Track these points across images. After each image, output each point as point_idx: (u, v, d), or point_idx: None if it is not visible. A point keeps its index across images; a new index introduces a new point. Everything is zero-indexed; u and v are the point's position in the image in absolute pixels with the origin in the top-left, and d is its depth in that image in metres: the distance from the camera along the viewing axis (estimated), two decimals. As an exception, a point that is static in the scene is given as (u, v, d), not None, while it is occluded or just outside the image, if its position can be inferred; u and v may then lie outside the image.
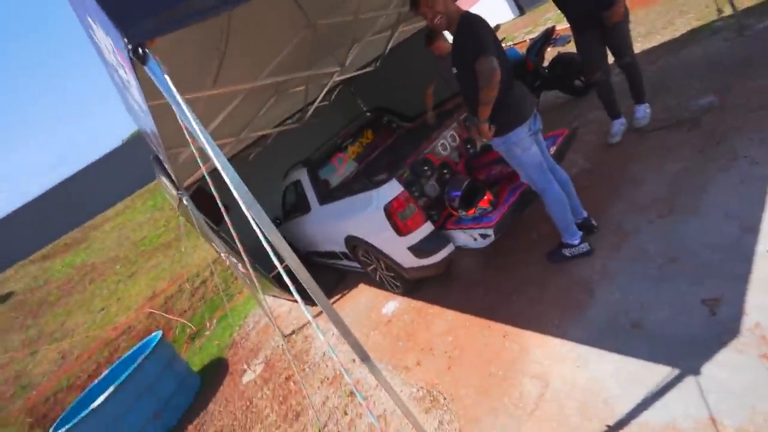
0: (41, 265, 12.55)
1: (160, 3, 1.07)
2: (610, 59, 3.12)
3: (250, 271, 4.17)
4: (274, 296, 5.27)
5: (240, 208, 1.46)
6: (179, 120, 1.14)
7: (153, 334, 5.11)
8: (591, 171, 3.18)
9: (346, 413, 2.57)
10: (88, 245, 12.87)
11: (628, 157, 3.01)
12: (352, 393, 2.71)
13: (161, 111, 1.61)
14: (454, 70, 2.16)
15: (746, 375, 1.36)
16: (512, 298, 2.47)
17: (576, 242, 2.33)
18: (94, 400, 3.85)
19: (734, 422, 1.26)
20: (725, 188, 2.17)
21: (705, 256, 1.87)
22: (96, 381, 4.99)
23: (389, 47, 4.81)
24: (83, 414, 3.75)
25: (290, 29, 2.98)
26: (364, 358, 1.40)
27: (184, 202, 3.70)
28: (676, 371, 1.50)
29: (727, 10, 3.92)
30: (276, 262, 1.31)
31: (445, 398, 2.14)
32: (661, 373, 1.53)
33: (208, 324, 6.52)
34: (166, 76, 1.06)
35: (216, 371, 4.64)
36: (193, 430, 3.76)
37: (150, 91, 1.31)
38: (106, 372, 5.08)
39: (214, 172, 1.40)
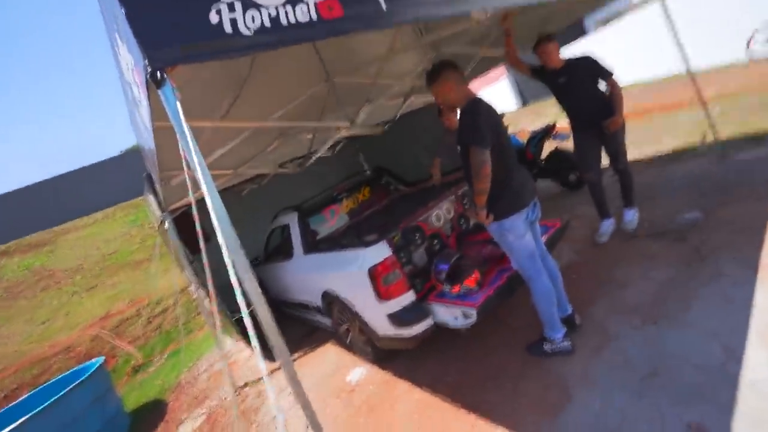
0: (-4, 262, 11.78)
1: (189, 33, 1.08)
2: (605, 161, 3.29)
3: (215, 308, 3.95)
4: (236, 340, 4.94)
5: (219, 242, 1.39)
6: (180, 147, 1.10)
7: (94, 359, 4.66)
8: (578, 265, 3.20)
9: (285, 492, 2.27)
10: (53, 249, 12.22)
11: (615, 258, 3.05)
12: (297, 468, 2.42)
13: (164, 134, 1.59)
14: (458, 148, 2.22)
15: None
16: (487, 386, 2.32)
17: (558, 338, 2.26)
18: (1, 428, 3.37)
19: None
20: (709, 305, 2.17)
21: (689, 376, 1.80)
22: (10, 405, 4.43)
23: (400, 113, 5.06)
24: (-14, 443, 3.27)
25: (309, 80, 3.12)
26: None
27: (166, 224, 3.58)
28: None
29: (709, 138, 4.26)
30: (241, 304, 1.20)
31: (399, 493, 1.91)
32: (640, 504, 1.39)
33: (157, 358, 6.01)
34: (178, 104, 1.04)
35: (151, 415, 4.18)
36: (106, 483, 3.27)
37: (158, 113, 1.29)
38: (25, 396, 4.53)
39: (202, 202, 1.35)
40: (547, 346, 2.29)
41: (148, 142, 1.71)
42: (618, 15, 12.42)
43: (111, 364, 6.01)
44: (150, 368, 5.78)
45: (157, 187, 3.16)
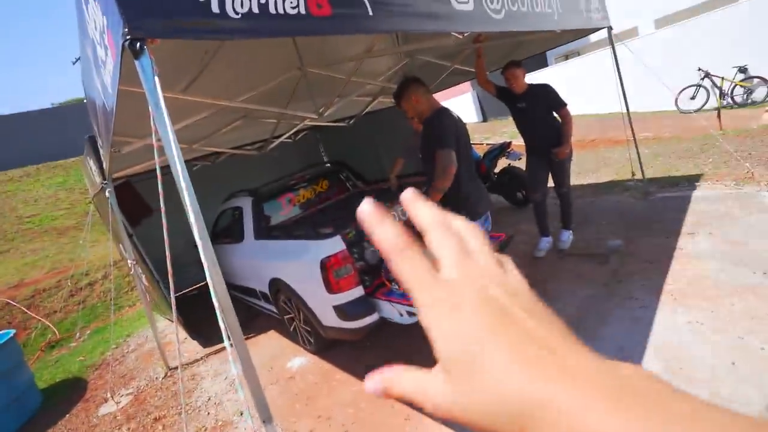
0: None
1: (174, 7, 1.07)
2: (551, 184, 3.58)
3: (153, 285, 3.76)
4: (169, 320, 4.72)
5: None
6: (151, 118, 1.09)
7: (2, 331, 4.23)
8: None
9: (213, 476, 2.25)
10: (-42, 205, 10.80)
11: (549, 273, 3.34)
12: (227, 452, 2.40)
13: (126, 98, 1.53)
14: (420, 156, 2.33)
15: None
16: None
17: None
18: None
19: None
20: (620, 323, 2.48)
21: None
22: None
23: (366, 110, 5.11)
24: None
25: (281, 66, 3.07)
26: (266, 419, 1.29)
27: (107, 193, 3.35)
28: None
29: (638, 175, 4.78)
30: (211, 284, 1.20)
31: (329, 478, 1.99)
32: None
33: (78, 334, 5.57)
34: (156, 78, 1.03)
35: (68, 394, 3.90)
36: (8, 464, 3.01)
37: (126, 77, 1.25)
38: None
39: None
40: None
41: (108, 105, 1.63)
42: (576, 53, 13.41)
43: (21, 337, 5.48)
44: (71, 344, 5.35)
45: (102, 151, 2.96)
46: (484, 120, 14.73)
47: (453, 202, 2.23)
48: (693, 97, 7.99)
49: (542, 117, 3.34)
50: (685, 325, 2.27)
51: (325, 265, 2.47)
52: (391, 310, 2.50)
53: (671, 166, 5.22)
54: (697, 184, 4.22)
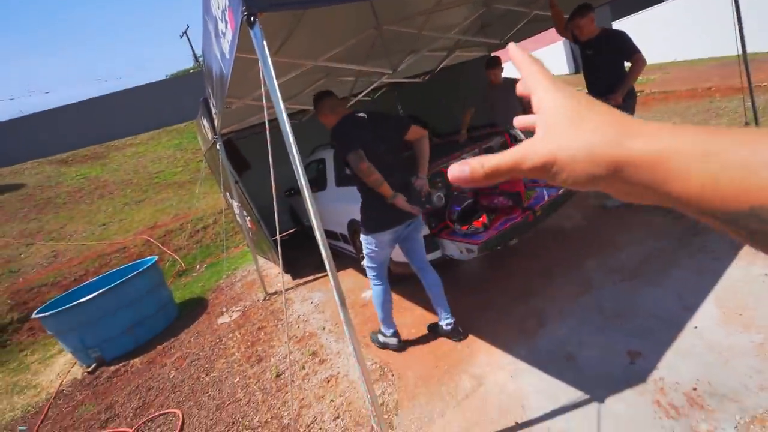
0: (57, 168, 13.00)
1: (275, -14, 1.40)
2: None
3: (256, 227, 4.49)
4: (265, 258, 5.59)
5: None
6: (261, 75, 1.46)
7: (148, 257, 5.45)
8: (583, 228, 3.48)
9: (303, 368, 2.86)
10: (106, 163, 13.32)
11: (617, 225, 3.30)
12: (314, 353, 3.00)
13: (240, 64, 1.95)
14: (347, 171, 2.47)
15: (636, 411, 1.64)
16: (476, 314, 2.76)
17: (388, 333, 2.65)
18: (76, 301, 4.16)
19: (614, 442, 1.55)
20: (685, 273, 2.45)
21: (644, 320, 2.15)
22: (83, 284, 5.34)
23: (441, 66, 5.17)
24: (69, 305, 4.08)
25: (358, 26, 3.33)
26: (348, 324, 1.68)
27: (218, 146, 4.05)
28: (586, 397, 1.78)
29: (752, 125, 4.21)
30: (315, 227, 1.56)
31: (393, 375, 2.43)
32: (575, 395, 1.81)
33: (198, 266, 6.85)
34: (264, 42, 1.38)
35: (195, 308, 4.95)
36: (161, 350, 4.06)
37: (242, 46, 1.64)
38: (95, 279, 5.42)
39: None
40: (380, 337, 2.72)
41: (224, 68, 2.08)
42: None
43: (159, 265, 6.91)
44: (193, 274, 6.63)
45: (215, 111, 3.58)
46: (577, 71, 13.42)
47: (370, 210, 2.37)
48: None
49: (608, 64, 3.15)
50: (759, 276, 2.19)
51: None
52: (453, 248, 2.79)
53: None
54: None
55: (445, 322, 2.56)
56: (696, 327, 1.98)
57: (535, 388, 1.95)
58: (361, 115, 2.34)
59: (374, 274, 2.54)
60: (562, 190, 3.02)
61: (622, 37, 3.11)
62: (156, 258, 5.09)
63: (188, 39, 27.43)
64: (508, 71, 4.37)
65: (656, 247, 2.82)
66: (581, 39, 3.23)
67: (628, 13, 11.71)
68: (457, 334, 2.55)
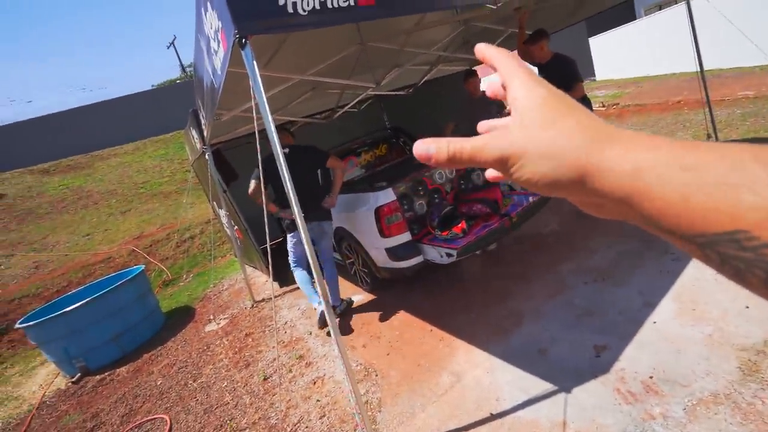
0: (39, 178, 12.80)
1: (264, 11, 1.54)
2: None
3: (244, 236, 4.55)
4: (253, 267, 5.64)
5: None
6: (252, 92, 1.59)
7: (134, 267, 5.45)
8: (559, 233, 3.66)
9: (290, 371, 2.94)
10: (90, 173, 13.17)
11: (592, 230, 3.48)
12: (300, 356, 3.08)
13: (230, 77, 2.08)
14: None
15: (599, 399, 1.78)
16: (457, 314, 2.89)
17: (315, 304, 3.30)
18: (58, 311, 4.13)
19: (577, 426, 1.68)
20: (648, 273, 2.64)
21: (611, 316, 2.31)
22: (66, 294, 5.30)
23: (424, 79, 5.38)
24: (53, 314, 4.06)
25: (343, 42, 3.49)
26: (334, 328, 1.79)
27: (206, 156, 4.14)
28: (555, 388, 1.92)
29: (713, 137, 4.49)
30: (301, 230, 1.71)
31: (377, 375, 2.53)
32: (545, 387, 1.95)
33: (185, 276, 6.84)
34: (255, 62, 1.52)
35: (182, 316, 4.97)
36: (147, 359, 4.07)
37: (233, 62, 1.77)
38: (79, 289, 5.38)
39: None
40: (316, 305, 3.32)
41: (215, 82, 2.20)
42: (674, 1, 11.89)
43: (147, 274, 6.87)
44: (179, 283, 6.62)
45: (205, 122, 3.68)
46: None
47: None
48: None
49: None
50: (712, 275, 2.38)
51: (379, 213, 2.94)
52: (433, 253, 2.92)
53: (762, 126, 4.81)
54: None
55: (335, 305, 3.36)
56: (655, 322, 2.15)
57: (508, 382, 2.08)
58: (286, 150, 2.96)
59: (292, 259, 3.36)
60: (537, 197, 3.20)
61: (569, 65, 3.27)
62: (143, 267, 5.10)
63: (175, 50, 27.43)
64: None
65: (624, 249, 3.01)
66: (533, 63, 3.45)
67: (603, 30, 12.24)
68: (337, 311, 3.36)
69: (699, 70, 4.23)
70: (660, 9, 11.96)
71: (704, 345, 1.87)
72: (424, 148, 0.30)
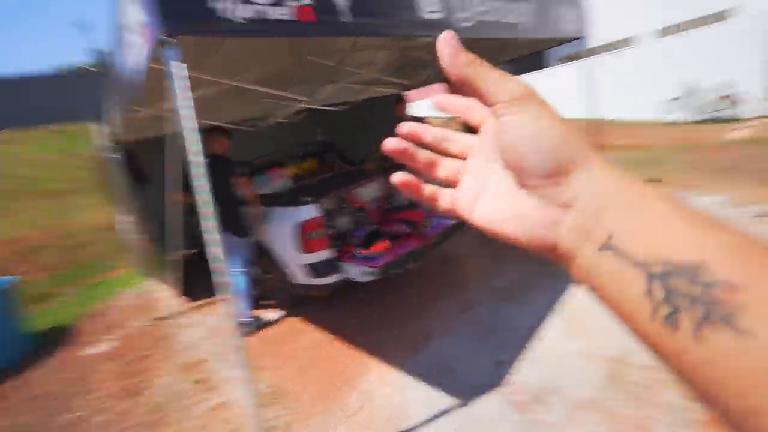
0: None
1: (194, 11, 1.50)
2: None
3: (151, 245, 4.15)
4: (158, 280, 5.11)
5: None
6: (174, 90, 1.52)
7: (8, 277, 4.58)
8: (473, 254, 3.98)
9: (188, 398, 2.68)
10: (-46, 160, 10.98)
11: (503, 250, 3.74)
12: (198, 381, 2.84)
13: (151, 73, 1.95)
14: None
15: (494, 411, 1.94)
16: (371, 333, 2.94)
17: (245, 314, 3.26)
18: None
19: (476, 437, 1.81)
20: (544, 290, 2.99)
21: (509, 333, 2.55)
22: None
23: (361, 98, 5.54)
24: None
25: (279, 53, 3.47)
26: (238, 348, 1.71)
27: (114, 156, 3.75)
28: (457, 402, 2.04)
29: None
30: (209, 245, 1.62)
31: (288, 398, 2.44)
32: (448, 401, 2.06)
33: (69, 289, 5.92)
34: (181, 63, 1.46)
35: (58, 337, 4.27)
36: (5, 390, 3.39)
37: (156, 59, 1.67)
38: None
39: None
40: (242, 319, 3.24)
41: (134, 77, 2.04)
42: (580, 56, 13.82)
43: (18, 287, 5.81)
44: (62, 297, 5.71)
45: (117, 117, 3.35)
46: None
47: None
48: (676, 109, 8.67)
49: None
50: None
51: (302, 227, 2.91)
52: (353, 271, 2.95)
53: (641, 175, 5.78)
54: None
55: (246, 321, 3.28)
56: (542, 337, 2.42)
57: (415, 398, 2.16)
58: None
59: (238, 266, 3.27)
60: (455, 221, 3.44)
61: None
62: (18, 278, 4.32)
63: (86, 35, 24.49)
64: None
65: (526, 271, 3.36)
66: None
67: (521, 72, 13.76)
68: (248, 330, 3.26)
69: (594, 117, 4.99)
70: (570, 60, 13.83)
71: (583, 357, 2.16)
72: (452, 42, 0.28)
